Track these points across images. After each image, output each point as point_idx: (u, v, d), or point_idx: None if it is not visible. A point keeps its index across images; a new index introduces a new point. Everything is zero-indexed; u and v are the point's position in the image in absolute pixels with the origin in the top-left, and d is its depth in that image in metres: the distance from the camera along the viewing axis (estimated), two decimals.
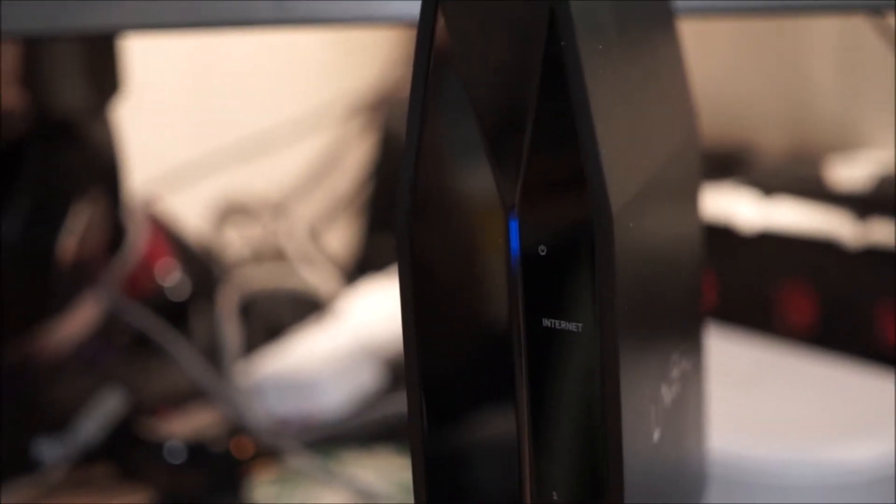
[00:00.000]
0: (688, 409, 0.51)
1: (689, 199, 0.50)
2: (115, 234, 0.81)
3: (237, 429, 0.76)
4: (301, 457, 0.72)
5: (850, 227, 0.79)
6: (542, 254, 0.35)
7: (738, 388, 0.68)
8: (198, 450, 0.74)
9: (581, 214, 0.35)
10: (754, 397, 0.68)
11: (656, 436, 0.41)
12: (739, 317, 0.84)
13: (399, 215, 0.37)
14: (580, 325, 0.35)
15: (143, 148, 0.89)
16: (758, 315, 0.84)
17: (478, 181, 0.36)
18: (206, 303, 0.84)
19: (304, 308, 0.88)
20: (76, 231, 0.77)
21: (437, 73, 0.37)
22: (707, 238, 0.76)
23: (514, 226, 0.36)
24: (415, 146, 0.37)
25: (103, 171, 0.79)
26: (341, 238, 1.07)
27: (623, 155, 0.37)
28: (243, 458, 0.75)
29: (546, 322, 0.36)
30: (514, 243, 0.36)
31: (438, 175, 0.37)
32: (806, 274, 0.81)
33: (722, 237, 0.84)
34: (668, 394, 0.44)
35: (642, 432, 0.39)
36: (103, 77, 0.77)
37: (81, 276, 0.78)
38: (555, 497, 0.37)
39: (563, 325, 0.35)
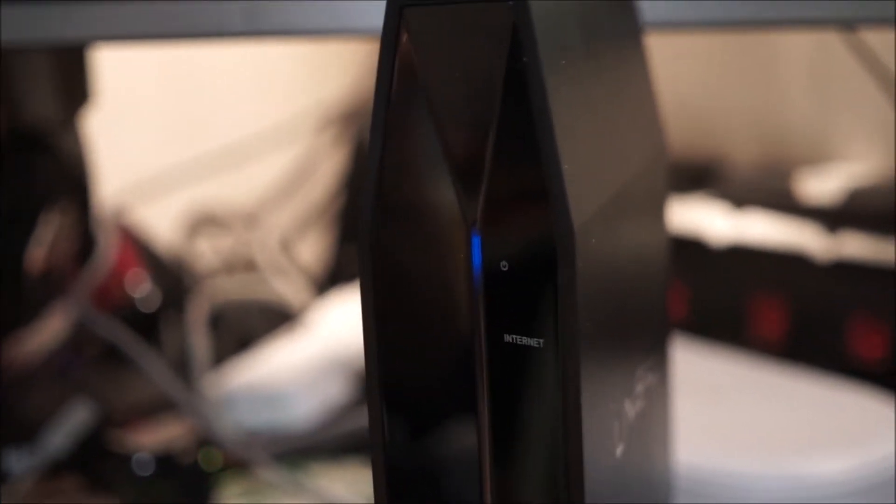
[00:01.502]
0: (653, 424, 0.51)
1: (656, 214, 0.50)
2: (85, 244, 0.81)
3: (206, 440, 0.75)
4: (270, 469, 0.72)
5: (821, 240, 0.79)
6: (504, 269, 0.35)
7: (707, 401, 0.68)
8: (166, 462, 0.74)
9: (543, 230, 0.35)
10: (723, 410, 0.68)
11: (619, 451, 0.41)
12: (710, 329, 0.84)
13: (362, 228, 0.37)
14: (541, 340, 0.35)
15: (114, 158, 0.89)
16: (728, 328, 0.84)
17: (441, 195, 0.36)
18: (176, 314, 0.84)
19: (274, 319, 0.88)
20: (45, 242, 0.77)
21: (400, 86, 0.37)
22: (678, 251, 0.77)
23: (476, 241, 0.36)
24: (377, 159, 0.37)
25: (73, 181, 0.79)
26: (313, 249, 1.07)
27: (586, 170, 0.37)
28: (212, 470, 0.75)
29: (508, 338, 0.36)
30: (476, 259, 0.36)
31: (402, 189, 0.37)
32: (776, 287, 0.81)
33: (693, 250, 0.84)
34: (632, 409, 0.44)
35: (605, 447, 0.39)
36: (73, 87, 0.77)
37: (51, 287, 0.78)
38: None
39: (525, 340, 0.35)
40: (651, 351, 0.50)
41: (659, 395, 0.53)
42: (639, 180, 0.45)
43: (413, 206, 0.37)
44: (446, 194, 0.36)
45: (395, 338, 0.38)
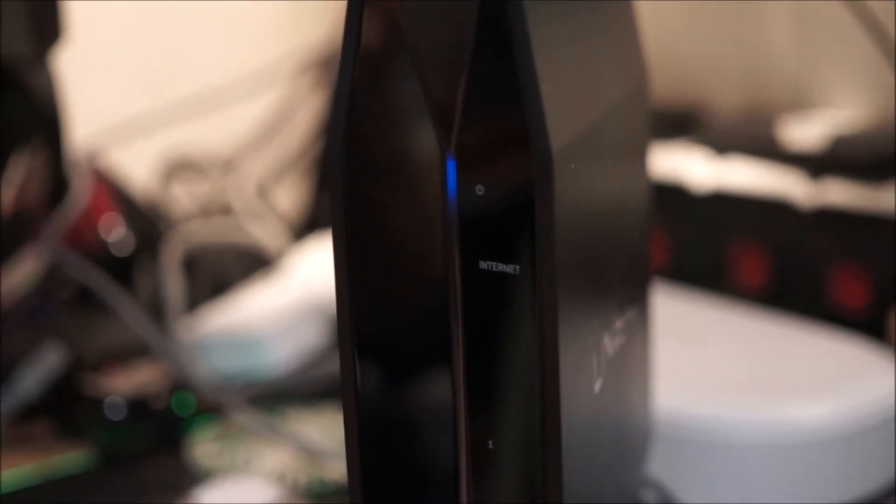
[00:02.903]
0: (632, 364, 0.50)
1: (636, 150, 0.49)
2: (57, 186, 0.79)
3: (179, 385, 0.74)
4: (244, 413, 0.71)
5: (804, 187, 0.78)
6: (480, 194, 0.34)
7: (688, 346, 0.67)
8: (139, 406, 0.73)
9: (520, 153, 0.33)
10: (703, 355, 0.67)
11: (598, 386, 0.40)
12: (691, 276, 0.83)
13: (331, 162, 0.36)
14: (518, 267, 0.34)
15: (87, 101, 0.87)
16: (709, 275, 0.83)
17: (415, 126, 0.35)
18: (150, 258, 0.83)
19: (250, 264, 0.87)
20: (16, 182, 0.75)
21: (371, 10, 0.35)
22: (659, 197, 0.76)
23: (450, 165, 0.34)
24: (347, 88, 0.36)
25: (45, 121, 0.77)
26: (290, 196, 1.06)
27: (565, 96, 0.36)
28: (185, 414, 0.74)
29: (483, 264, 0.35)
30: (451, 184, 0.34)
31: (373, 121, 0.36)
32: (758, 234, 0.80)
33: (674, 196, 0.83)
34: (611, 345, 0.43)
35: (583, 381, 0.38)
36: (45, 24, 0.75)
37: (22, 229, 0.76)
38: (490, 445, 0.36)
39: (501, 267, 0.34)
40: (630, 288, 0.49)
41: (639, 336, 0.52)
42: (619, 113, 0.44)
43: (386, 134, 0.36)
44: (420, 124, 0.35)
45: (367, 279, 0.37)
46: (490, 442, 0.36)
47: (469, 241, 0.35)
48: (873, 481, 0.63)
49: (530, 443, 0.35)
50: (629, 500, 0.52)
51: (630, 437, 0.50)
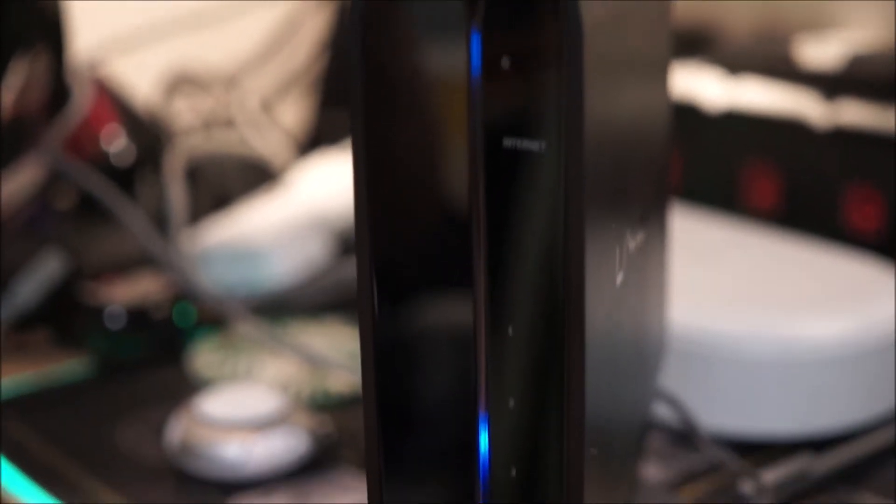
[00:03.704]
0: (650, 271, 0.49)
1: (661, 54, 0.48)
2: (58, 94, 0.78)
3: (181, 295, 0.73)
4: (247, 324, 0.70)
5: (818, 107, 0.76)
6: (506, 67, 0.33)
7: (701, 264, 0.66)
8: (139, 316, 0.72)
9: (550, 23, 0.32)
10: (716, 273, 0.66)
11: (619, 279, 0.39)
12: (703, 197, 0.82)
13: (352, 26, 0.34)
14: (543, 144, 0.33)
15: (90, 10, 0.85)
16: (722, 196, 0.82)
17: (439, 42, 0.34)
18: (152, 170, 0.81)
19: (253, 177, 0.85)
20: (16, 87, 0.74)
21: None
22: (672, 117, 0.74)
23: (475, 38, 0.33)
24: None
25: (46, 26, 0.76)
26: (294, 111, 1.04)
27: None
28: (186, 325, 0.73)
29: (507, 142, 0.33)
30: (476, 57, 0.33)
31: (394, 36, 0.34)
32: (772, 155, 0.79)
33: (687, 116, 0.82)
34: (632, 241, 0.42)
35: (606, 270, 0.36)
36: None
37: (22, 135, 0.75)
38: (510, 332, 0.35)
39: (526, 144, 0.33)
40: (651, 192, 0.48)
41: (657, 246, 0.51)
42: (647, 12, 0.43)
43: (408, 55, 0.34)
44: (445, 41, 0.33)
45: (387, 198, 0.35)
46: (510, 328, 0.35)
47: (493, 118, 0.33)
48: (884, 402, 0.62)
49: (551, 329, 0.34)
50: (643, 410, 0.51)
51: (646, 344, 0.49)
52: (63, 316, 0.73)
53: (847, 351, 0.60)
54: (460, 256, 0.35)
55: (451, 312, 0.35)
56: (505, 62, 0.33)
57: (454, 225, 0.34)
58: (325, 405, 0.65)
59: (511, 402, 0.35)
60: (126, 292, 0.73)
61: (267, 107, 1.00)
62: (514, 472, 0.36)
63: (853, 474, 0.59)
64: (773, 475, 0.56)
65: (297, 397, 0.65)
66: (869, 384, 0.61)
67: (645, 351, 0.49)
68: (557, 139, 0.32)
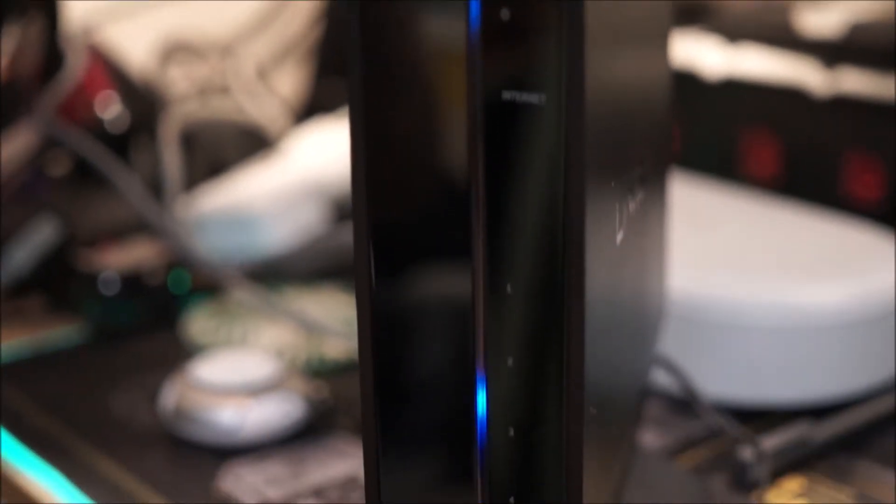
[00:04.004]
0: (650, 234, 0.48)
1: (662, 21, 0.47)
2: (52, 59, 0.77)
3: (176, 262, 0.73)
4: (241, 291, 0.70)
5: (818, 75, 0.76)
6: (505, 18, 0.32)
7: (700, 232, 0.66)
8: (133, 282, 0.71)
9: None
10: (716, 241, 0.65)
11: (620, 237, 0.38)
12: (702, 165, 0.81)
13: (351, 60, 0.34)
14: (543, 96, 0.32)
15: None
16: (720, 164, 0.81)
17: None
18: (147, 137, 0.81)
19: (249, 143, 0.84)
20: (9, 52, 0.73)
21: None
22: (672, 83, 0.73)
23: None
24: None
25: None
26: (290, 80, 1.04)
27: None
28: (181, 291, 0.72)
29: (507, 95, 0.33)
30: (475, 7, 0.32)
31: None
32: (771, 123, 0.79)
33: (685, 84, 0.81)
34: (631, 202, 0.41)
35: (606, 227, 0.36)
36: None
37: (16, 101, 0.74)
38: (508, 290, 0.34)
39: (525, 97, 0.32)
40: (651, 154, 0.47)
41: (656, 210, 0.50)
42: None
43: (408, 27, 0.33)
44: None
45: (384, 165, 0.34)
46: (508, 286, 0.34)
47: (492, 70, 0.33)
48: (884, 370, 0.62)
49: (551, 285, 0.33)
50: (642, 375, 0.51)
51: (646, 307, 0.49)
52: (57, 282, 0.73)
53: (846, 318, 0.60)
54: (458, 214, 0.34)
55: (448, 276, 0.35)
56: (504, 13, 0.32)
57: (452, 183, 0.34)
58: (320, 371, 0.65)
59: (510, 361, 0.35)
60: (121, 259, 0.73)
61: (263, 74, 0.99)
62: (512, 433, 0.35)
63: (853, 442, 0.59)
64: (772, 442, 0.56)
65: (292, 363, 0.65)
66: (868, 352, 0.61)
67: (644, 314, 0.49)
68: (558, 92, 0.32)
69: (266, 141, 0.85)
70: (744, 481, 0.55)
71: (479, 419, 0.36)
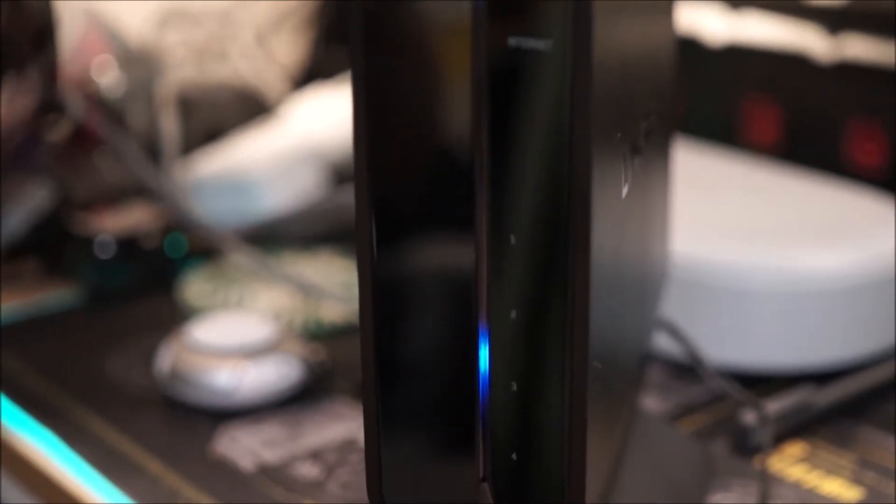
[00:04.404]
0: (653, 191, 0.48)
1: None
2: (49, 25, 0.76)
3: (173, 226, 0.72)
4: (238, 254, 0.69)
5: (821, 42, 0.75)
6: None
7: (703, 197, 0.65)
8: (129, 245, 0.71)
9: None
10: (718, 206, 0.65)
11: (625, 191, 0.38)
12: (704, 131, 0.81)
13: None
14: (549, 42, 0.31)
15: None
16: (723, 130, 0.80)
17: None
18: (143, 102, 0.80)
19: (247, 108, 0.84)
20: (4, 17, 0.72)
21: None
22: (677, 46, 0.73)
23: None
24: None
25: None
26: (290, 46, 1.03)
27: None
28: (177, 255, 0.72)
29: (512, 41, 0.32)
30: None
31: None
32: (774, 89, 0.78)
33: (688, 50, 0.80)
34: (637, 158, 0.41)
35: (612, 180, 0.35)
36: None
37: (12, 65, 0.73)
38: (512, 240, 0.33)
39: (531, 43, 0.32)
40: (657, 109, 0.46)
41: (661, 166, 0.50)
42: None
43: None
44: None
45: (386, 139, 0.34)
46: (512, 237, 0.33)
47: (497, 15, 0.32)
48: (886, 336, 0.61)
49: (555, 235, 0.33)
50: (644, 336, 0.50)
51: (649, 266, 0.48)
52: (53, 245, 0.72)
53: (848, 283, 0.59)
54: (463, 165, 0.33)
55: (451, 227, 0.34)
56: None
57: (456, 133, 0.33)
58: (317, 334, 0.64)
59: (513, 314, 0.34)
60: (116, 222, 0.72)
61: (261, 40, 0.98)
62: (515, 387, 0.35)
63: (854, 407, 0.58)
64: (774, 406, 0.55)
65: (289, 326, 0.64)
66: (869, 318, 0.60)
67: (647, 274, 0.48)
68: (564, 38, 0.31)
69: (264, 106, 0.84)
70: (746, 446, 0.54)
71: (481, 374, 0.35)
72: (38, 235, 0.72)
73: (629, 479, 0.46)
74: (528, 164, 0.33)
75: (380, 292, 0.35)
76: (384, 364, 0.36)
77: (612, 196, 0.35)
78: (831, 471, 0.54)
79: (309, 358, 0.59)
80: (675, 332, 0.55)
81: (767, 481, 0.52)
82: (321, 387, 0.59)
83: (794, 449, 0.55)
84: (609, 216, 0.35)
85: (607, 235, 0.35)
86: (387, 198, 0.34)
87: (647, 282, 0.49)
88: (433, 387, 0.36)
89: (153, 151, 0.77)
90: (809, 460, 0.55)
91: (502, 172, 0.33)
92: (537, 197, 0.33)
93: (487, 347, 0.35)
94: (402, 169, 0.34)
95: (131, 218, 0.73)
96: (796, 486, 0.53)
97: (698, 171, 0.69)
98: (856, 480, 0.53)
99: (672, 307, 0.59)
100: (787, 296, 0.59)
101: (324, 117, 0.82)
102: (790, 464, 0.54)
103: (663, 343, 0.58)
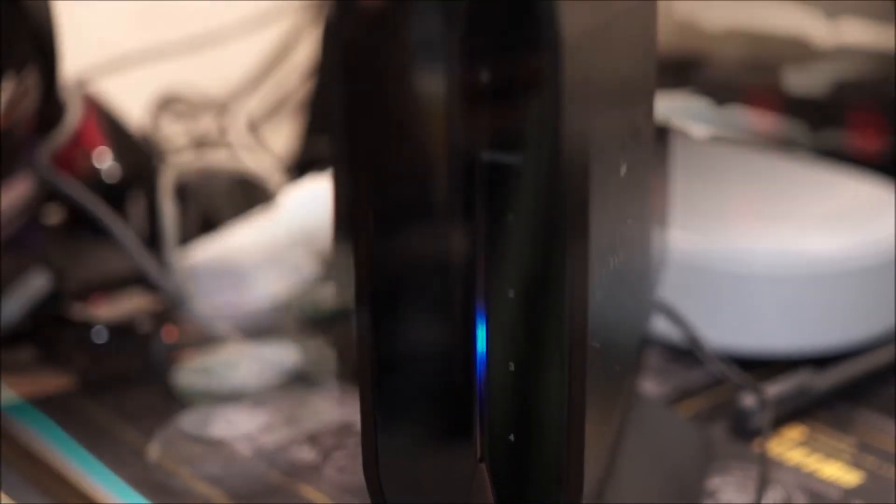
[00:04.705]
0: (651, 171, 0.48)
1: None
2: (49, 110, 0.76)
3: (167, 314, 0.72)
4: (232, 344, 0.69)
5: (821, 24, 0.75)
6: None
7: (702, 181, 0.65)
8: (125, 333, 0.70)
9: None
10: (718, 190, 0.65)
11: (623, 170, 0.37)
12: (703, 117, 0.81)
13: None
14: None
15: (81, 31, 0.83)
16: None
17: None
18: (142, 189, 0.80)
19: (243, 197, 0.83)
20: (6, 101, 0.72)
21: None
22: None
23: None
24: None
25: (37, 41, 0.72)
26: (283, 136, 1.02)
27: None
28: (172, 343, 0.71)
29: None
30: None
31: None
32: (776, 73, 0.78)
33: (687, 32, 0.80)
34: (633, 141, 0.40)
35: (610, 155, 0.35)
36: None
37: (11, 150, 0.73)
38: (510, 218, 0.33)
39: None
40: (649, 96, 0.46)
41: (659, 147, 0.50)
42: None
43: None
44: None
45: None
46: (510, 214, 0.33)
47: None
48: (885, 320, 0.61)
49: (553, 212, 0.32)
50: (643, 318, 0.50)
51: (647, 248, 0.48)
52: (48, 334, 0.71)
53: (847, 267, 0.59)
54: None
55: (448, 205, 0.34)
56: None
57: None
58: (314, 318, 0.64)
59: (510, 293, 0.34)
60: (113, 310, 0.72)
61: (255, 128, 0.98)
62: (512, 367, 0.34)
63: (854, 391, 0.58)
64: (773, 390, 0.55)
65: (286, 309, 0.64)
66: (869, 301, 0.60)
67: (645, 255, 0.48)
68: None
69: (260, 194, 0.84)
70: (745, 429, 0.54)
71: (478, 354, 0.35)
72: (34, 323, 0.72)
73: (627, 462, 0.46)
74: (527, 138, 0.32)
75: (376, 273, 0.35)
76: (380, 346, 0.36)
77: (611, 171, 0.35)
78: (831, 454, 0.54)
79: (306, 342, 0.59)
80: (674, 316, 0.55)
81: (767, 465, 0.52)
82: (318, 371, 0.59)
83: (794, 432, 0.55)
84: (607, 195, 0.35)
85: (606, 211, 0.35)
86: (382, 170, 0.34)
87: (646, 262, 0.48)
88: (430, 368, 0.36)
89: (149, 238, 0.77)
90: (809, 444, 0.54)
91: (500, 148, 0.33)
92: (536, 172, 0.32)
93: (485, 327, 0.34)
94: (398, 153, 0.34)
95: (128, 305, 0.72)
96: (796, 470, 0.52)
97: (698, 155, 0.69)
98: (855, 464, 0.53)
99: (671, 290, 0.58)
100: (786, 279, 0.59)
101: (318, 207, 0.81)
102: (789, 447, 0.54)
103: (662, 327, 0.58)
